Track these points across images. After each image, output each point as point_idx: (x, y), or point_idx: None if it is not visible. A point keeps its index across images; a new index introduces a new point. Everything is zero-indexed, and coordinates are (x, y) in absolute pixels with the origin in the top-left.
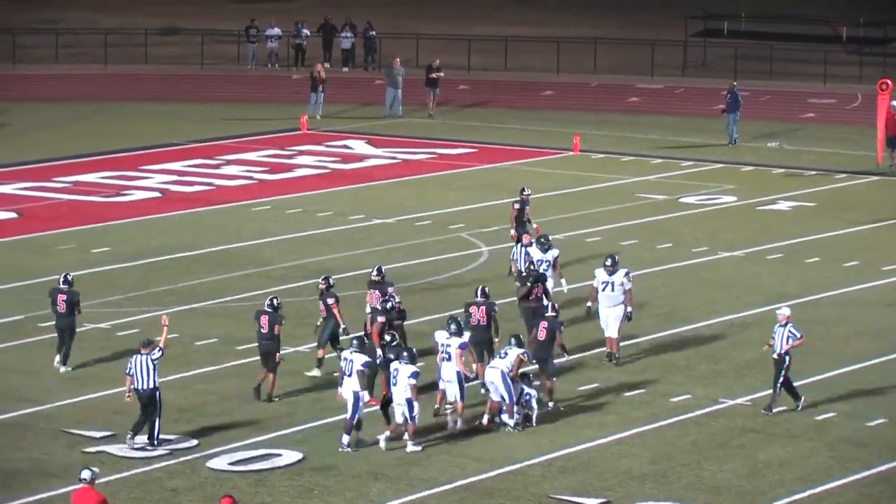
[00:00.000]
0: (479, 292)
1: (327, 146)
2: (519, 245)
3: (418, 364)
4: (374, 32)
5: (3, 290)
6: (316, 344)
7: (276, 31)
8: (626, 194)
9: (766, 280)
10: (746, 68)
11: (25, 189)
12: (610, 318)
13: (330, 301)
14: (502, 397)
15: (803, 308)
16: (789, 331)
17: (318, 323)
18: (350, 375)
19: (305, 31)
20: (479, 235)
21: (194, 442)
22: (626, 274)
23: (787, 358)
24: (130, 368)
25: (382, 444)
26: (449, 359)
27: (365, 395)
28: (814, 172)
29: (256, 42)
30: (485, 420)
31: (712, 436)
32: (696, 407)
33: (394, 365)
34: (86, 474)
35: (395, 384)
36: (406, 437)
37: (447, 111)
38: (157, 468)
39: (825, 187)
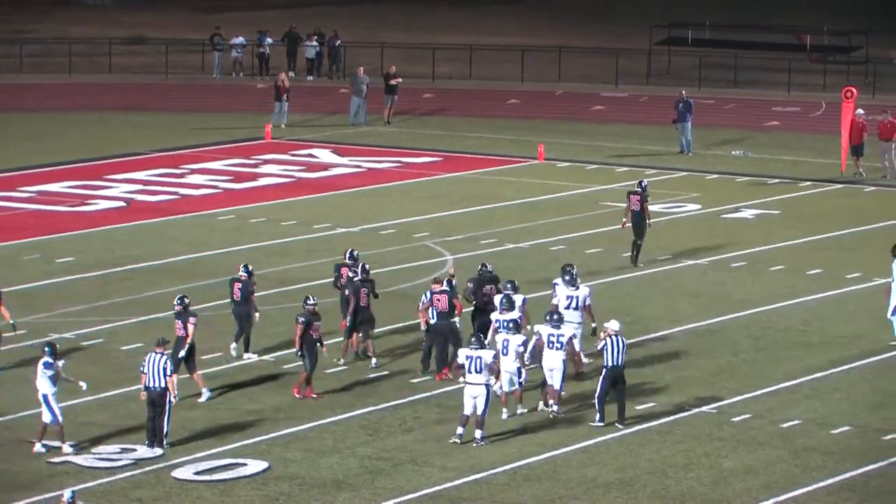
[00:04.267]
0: (445, 282)
1: (292, 155)
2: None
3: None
4: (339, 42)
5: None
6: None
7: (241, 40)
8: (590, 203)
9: (730, 288)
10: (711, 77)
11: None
12: (556, 368)
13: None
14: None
15: (768, 316)
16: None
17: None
18: (507, 353)
19: (269, 40)
20: (444, 244)
21: (159, 451)
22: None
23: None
24: (144, 366)
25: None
26: (506, 353)
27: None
28: (778, 181)
29: (221, 51)
30: (540, 405)
31: (677, 444)
32: (660, 415)
33: (504, 336)
34: (67, 495)
35: (505, 354)
36: (516, 402)
37: (412, 120)
38: (122, 478)
39: (789, 195)
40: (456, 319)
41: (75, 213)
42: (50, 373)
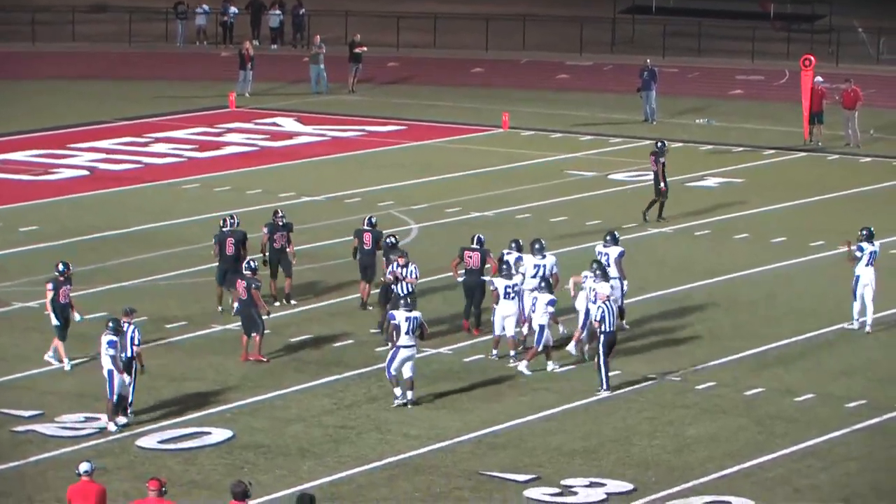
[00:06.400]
0: (475, 240)
1: (256, 124)
2: None
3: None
4: (303, 10)
5: None
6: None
7: (205, 8)
8: (555, 171)
9: (695, 257)
10: (675, 45)
11: None
12: (509, 318)
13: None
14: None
15: (732, 285)
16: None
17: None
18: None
19: (233, 9)
20: (409, 213)
21: (123, 420)
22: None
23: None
24: None
25: (525, 371)
26: (535, 311)
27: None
28: (742, 149)
29: (185, 19)
30: (550, 366)
31: (641, 412)
32: (625, 383)
33: (534, 294)
34: (85, 467)
35: (534, 311)
36: (522, 357)
37: (377, 89)
38: (87, 447)
39: (753, 164)
40: (486, 278)
41: (39, 182)
42: (112, 352)
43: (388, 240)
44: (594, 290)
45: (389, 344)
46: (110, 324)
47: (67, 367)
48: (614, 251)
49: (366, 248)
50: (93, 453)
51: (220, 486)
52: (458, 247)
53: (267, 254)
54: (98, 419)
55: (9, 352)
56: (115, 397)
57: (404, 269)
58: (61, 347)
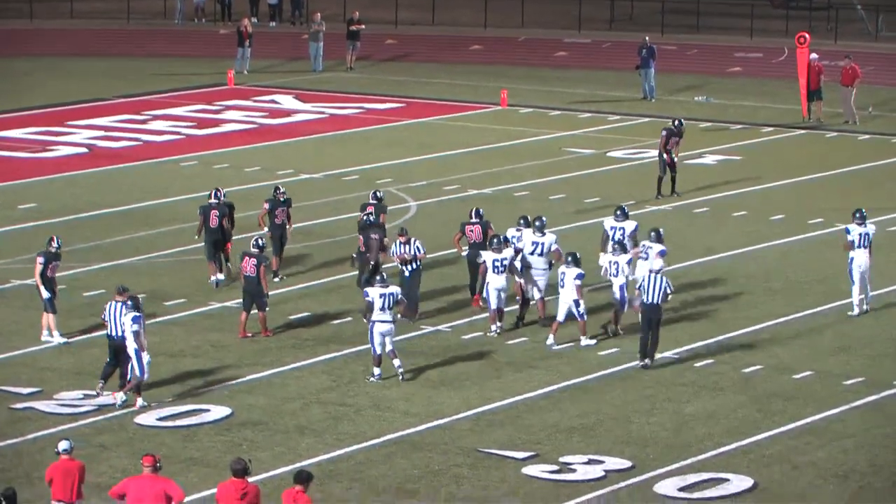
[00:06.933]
0: (474, 213)
1: (255, 101)
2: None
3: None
4: None
5: None
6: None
7: None
8: (553, 149)
9: (693, 235)
10: (673, 22)
11: None
12: (502, 288)
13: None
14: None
15: (730, 262)
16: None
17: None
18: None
19: None
20: (407, 190)
21: (122, 397)
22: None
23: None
24: (105, 315)
25: (590, 342)
26: (563, 286)
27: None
28: (740, 126)
29: None
30: (549, 339)
31: (640, 390)
32: (623, 361)
33: (561, 269)
34: (64, 445)
35: (562, 286)
36: (579, 334)
37: (375, 66)
38: (85, 424)
39: (752, 141)
40: (511, 252)
41: (37, 160)
42: (137, 327)
43: (366, 218)
44: (648, 254)
45: (365, 320)
46: (129, 301)
47: (57, 341)
48: (630, 225)
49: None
50: (91, 430)
51: (219, 464)
52: (455, 223)
53: (266, 228)
54: (96, 395)
55: (7, 328)
56: (145, 374)
57: (407, 246)
58: (52, 320)
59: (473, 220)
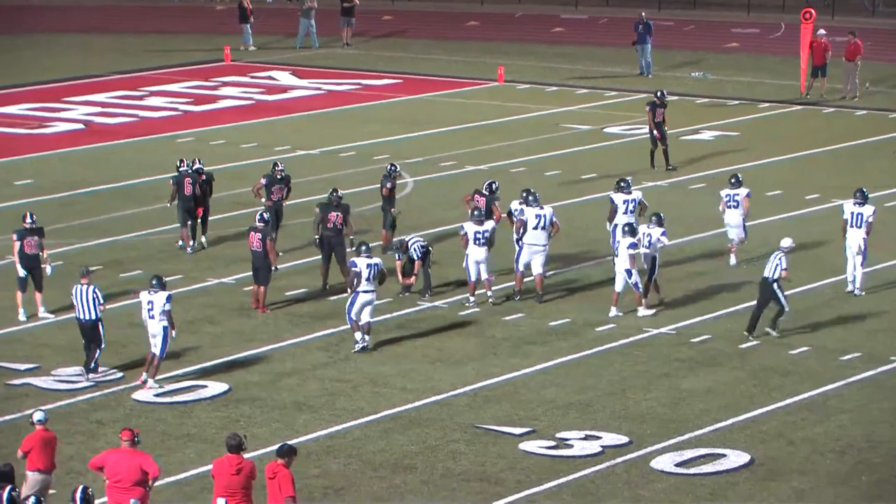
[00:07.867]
0: (486, 186)
1: (251, 77)
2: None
3: None
4: None
5: None
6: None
7: None
8: (550, 125)
9: (690, 210)
10: None
11: None
12: (482, 264)
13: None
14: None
15: (727, 237)
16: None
17: None
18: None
19: None
20: (404, 167)
21: (119, 374)
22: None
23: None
24: (73, 298)
25: (648, 312)
26: (617, 255)
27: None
28: (737, 102)
29: None
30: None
31: (636, 365)
32: (620, 336)
33: (642, 229)
34: (39, 416)
35: (617, 255)
36: (636, 304)
37: (372, 42)
38: (82, 400)
39: (748, 117)
40: (492, 224)
41: (34, 136)
42: (169, 307)
43: (334, 194)
44: (648, 234)
45: (349, 290)
46: (154, 280)
47: (22, 318)
48: (638, 195)
49: (384, 196)
50: (88, 406)
51: (216, 439)
52: (452, 199)
53: (264, 199)
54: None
55: (3, 304)
56: (164, 354)
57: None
58: (19, 298)
59: (483, 191)
